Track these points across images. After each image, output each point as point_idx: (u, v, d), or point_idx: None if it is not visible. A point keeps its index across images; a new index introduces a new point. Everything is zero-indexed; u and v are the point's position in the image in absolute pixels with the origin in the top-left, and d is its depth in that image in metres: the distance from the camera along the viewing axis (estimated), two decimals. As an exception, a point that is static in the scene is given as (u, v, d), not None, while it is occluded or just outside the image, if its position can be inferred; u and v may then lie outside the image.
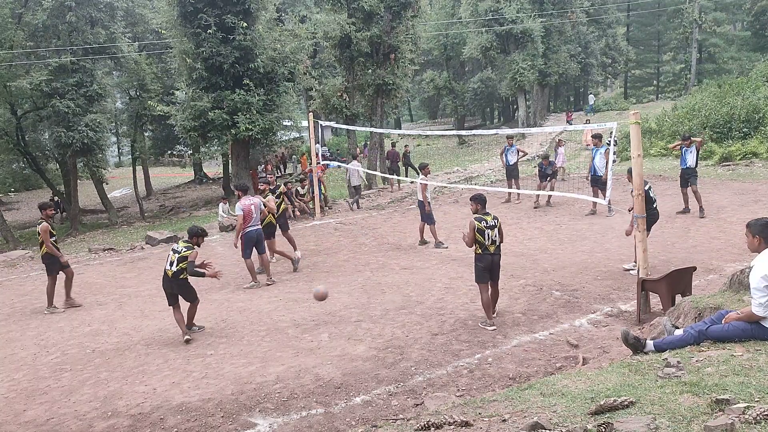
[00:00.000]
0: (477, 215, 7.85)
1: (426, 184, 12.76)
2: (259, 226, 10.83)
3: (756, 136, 21.38)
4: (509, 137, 18.49)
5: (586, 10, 47.47)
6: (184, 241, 8.50)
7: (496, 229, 7.78)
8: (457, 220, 15.16)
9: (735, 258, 9.75)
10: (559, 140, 19.75)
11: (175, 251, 8.32)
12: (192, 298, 8.48)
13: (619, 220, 13.66)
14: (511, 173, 17.61)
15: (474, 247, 7.79)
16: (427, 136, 45.90)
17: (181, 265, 8.19)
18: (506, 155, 17.59)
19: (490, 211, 8.02)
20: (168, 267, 8.28)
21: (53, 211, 10.78)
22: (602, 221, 13.90)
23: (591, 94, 52.25)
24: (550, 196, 15.53)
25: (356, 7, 21.43)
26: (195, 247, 8.39)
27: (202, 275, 8.23)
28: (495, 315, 7.96)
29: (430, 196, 12.77)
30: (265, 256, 11.03)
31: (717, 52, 53.49)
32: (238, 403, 6.08)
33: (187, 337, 8.12)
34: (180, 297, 8.38)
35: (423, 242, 12.97)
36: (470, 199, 8.03)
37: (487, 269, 7.76)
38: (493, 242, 7.76)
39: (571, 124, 35.90)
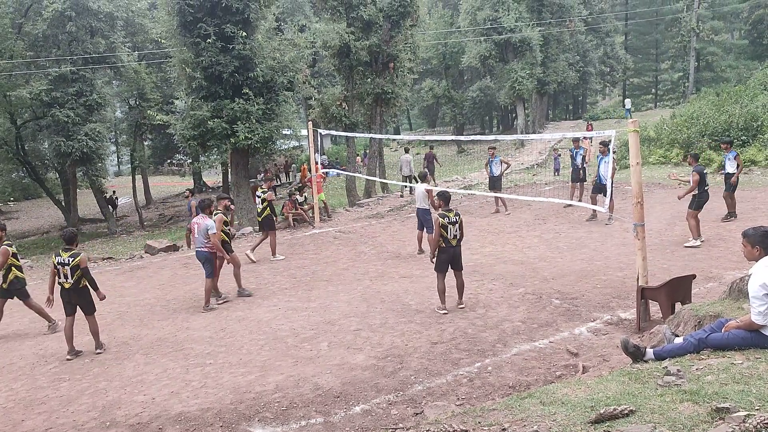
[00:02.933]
0: (441, 212, 8.71)
1: (432, 192, 12.81)
2: (202, 249, 10.20)
3: (754, 144, 21.44)
4: (491, 148, 17.90)
5: (584, 18, 47.71)
6: (64, 250, 8.17)
7: (457, 225, 8.62)
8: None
9: (734, 266, 9.75)
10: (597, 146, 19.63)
11: (62, 264, 8.09)
12: (91, 309, 8.39)
13: (618, 228, 13.68)
14: (495, 184, 17.23)
15: (438, 241, 8.67)
16: (426, 143, 45.98)
17: (77, 274, 8.09)
18: (490, 166, 17.21)
19: (453, 208, 8.84)
20: (63, 281, 8.17)
21: (229, 202, 11.00)
22: (601, 229, 13.90)
23: (628, 98, 51.94)
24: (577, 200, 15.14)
25: (355, 16, 21.51)
26: (80, 252, 8.23)
27: (95, 286, 8.26)
28: (462, 305, 8.79)
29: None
30: (211, 280, 10.40)
31: (715, 60, 53.71)
32: (237, 412, 6.06)
33: (68, 357, 8.17)
34: (79, 308, 8.31)
35: (421, 251, 12.95)
36: (436, 195, 9.02)
37: (448, 261, 8.69)
38: (455, 237, 8.63)
39: (592, 128, 35.75)
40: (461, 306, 8.81)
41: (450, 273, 8.84)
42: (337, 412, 5.90)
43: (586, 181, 16.68)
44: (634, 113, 48.17)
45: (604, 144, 14.49)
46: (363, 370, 6.86)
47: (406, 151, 23.91)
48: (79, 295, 8.25)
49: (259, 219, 14.02)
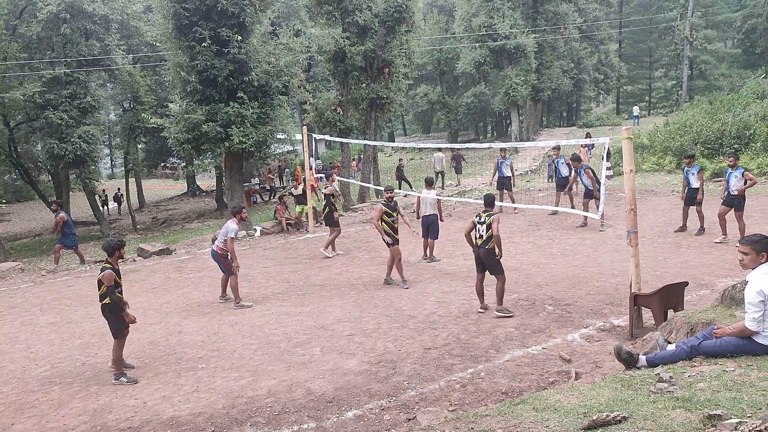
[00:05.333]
0: (477, 213, 8.80)
1: (439, 200, 12.93)
2: (215, 248, 10.44)
3: (746, 152, 21.58)
4: (502, 150, 18.58)
5: (578, 26, 47.90)
6: (105, 261, 7.45)
7: (484, 226, 8.55)
8: (450, 234, 15.17)
9: (727, 273, 9.79)
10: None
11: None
12: (115, 331, 7.36)
13: (611, 234, 13.71)
14: (504, 185, 17.77)
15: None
16: (420, 149, 46.04)
17: (101, 290, 7.29)
18: (500, 168, 17.80)
19: (489, 210, 8.76)
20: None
21: (390, 194, 11.29)
22: (595, 236, 13.93)
23: (636, 106, 52.00)
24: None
25: (351, 21, 21.55)
26: (110, 267, 7.25)
27: (118, 307, 7.27)
28: (498, 314, 8.58)
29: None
30: (233, 277, 10.49)
31: (708, 68, 54.01)
32: (229, 417, 6.03)
33: (114, 380, 7.28)
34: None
35: (431, 258, 12.71)
36: (482, 198, 9.11)
37: (476, 260, 8.81)
38: (480, 236, 8.59)
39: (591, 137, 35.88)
40: (496, 312, 8.60)
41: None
42: (329, 417, 5.88)
43: (572, 189, 16.87)
44: (627, 121, 48.37)
45: (557, 148, 16.33)
46: (356, 375, 6.84)
47: (439, 149, 26.66)
48: (102, 312, 7.46)
49: (323, 215, 14.58)
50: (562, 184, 16.59)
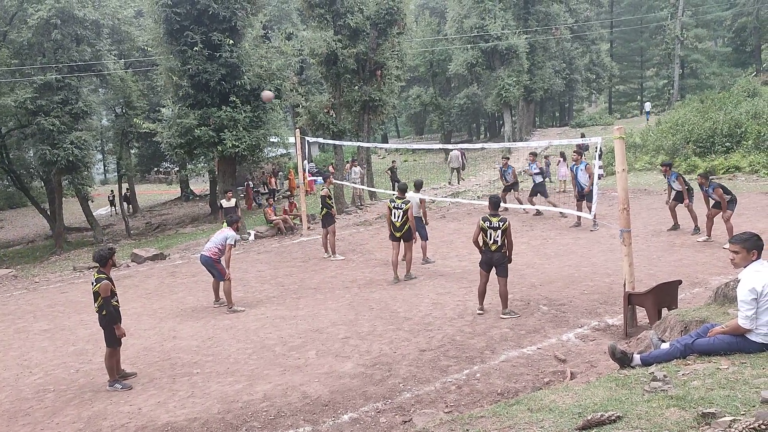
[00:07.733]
0: (484, 215, 8.68)
1: (424, 200, 12.92)
2: (205, 253, 10.39)
3: (738, 150, 21.67)
4: (504, 158, 18.46)
5: (570, 26, 48.05)
6: (96, 271, 7.31)
7: (499, 231, 8.51)
8: (444, 235, 15.19)
9: (720, 271, 9.83)
10: (561, 153, 20.61)
11: (92, 284, 7.24)
12: (111, 341, 7.22)
13: (605, 234, 13.74)
14: (511, 187, 17.86)
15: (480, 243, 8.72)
16: (414, 151, 46.07)
17: (98, 301, 7.16)
18: (505, 176, 17.82)
19: (500, 214, 8.75)
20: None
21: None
22: (588, 235, 13.96)
23: (648, 101, 51.99)
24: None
25: (342, 24, 21.54)
26: (106, 277, 7.18)
27: (114, 319, 7.17)
28: (504, 316, 8.59)
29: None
30: (226, 282, 10.51)
31: (699, 67, 54.28)
32: (225, 422, 6.02)
33: (108, 387, 7.23)
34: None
35: (426, 260, 12.73)
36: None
37: (486, 263, 8.69)
38: (495, 242, 8.55)
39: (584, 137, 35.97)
40: (503, 316, 8.58)
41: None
42: (325, 420, 5.87)
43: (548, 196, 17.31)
44: (620, 120, 48.48)
45: (533, 154, 16.92)
46: (351, 378, 6.84)
47: (453, 148, 27.57)
48: (100, 322, 7.29)
49: (321, 216, 14.61)
50: (537, 190, 16.90)
